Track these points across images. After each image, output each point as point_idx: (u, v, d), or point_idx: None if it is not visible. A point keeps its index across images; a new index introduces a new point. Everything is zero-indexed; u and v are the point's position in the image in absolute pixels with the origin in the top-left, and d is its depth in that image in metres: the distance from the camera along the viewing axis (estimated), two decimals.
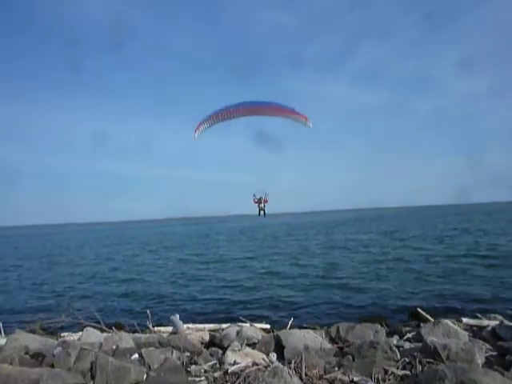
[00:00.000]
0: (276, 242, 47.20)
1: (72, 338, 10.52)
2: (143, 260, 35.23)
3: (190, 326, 9.65)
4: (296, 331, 8.13)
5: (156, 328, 9.65)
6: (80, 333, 11.02)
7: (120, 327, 11.15)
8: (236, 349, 7.77)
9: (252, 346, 8.25)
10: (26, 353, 7.73)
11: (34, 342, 8.37)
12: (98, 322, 10.52)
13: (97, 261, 36.87)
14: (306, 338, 7.80)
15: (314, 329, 9.46)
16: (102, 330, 10.15)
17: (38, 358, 7.57)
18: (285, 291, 17.93)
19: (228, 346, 8.23)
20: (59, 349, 7.51)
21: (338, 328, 8.49)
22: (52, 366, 7.05)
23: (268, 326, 9.86)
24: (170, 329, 9.53)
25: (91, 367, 6.60)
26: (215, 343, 8.73)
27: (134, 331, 9.77)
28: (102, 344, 7.93)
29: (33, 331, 11.18)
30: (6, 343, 8.00)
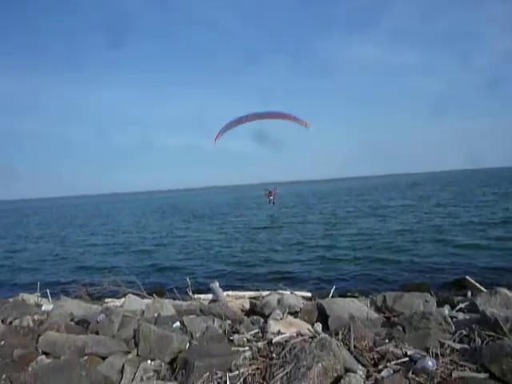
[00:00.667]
0: (310, 210, 46.71)
1: (115, 303, 10.77)
2: (182, 228, 35.80)
3: (230, 293, 9.57)
4: (339, 300, 7.81)
5: (196, 295, 9.64)
6: (123, 299, 11.26)
7: (161, 294, 11.30)
8: (278, 317, 7.57)
9: (294, 314, 8.05)
10: (72, 319, 7.85)
11: (79, 308, 8.53)
12: (139, 290, 10.64)
13: (137, 229, 37.86)
14: (351, 307, 7.48)
15: (356, 297, 9.14)
16: (143, 297, 10.30)
17: (83, 324, 7.67)
18: (321, 260, 17.65)
19: (269, 314, 8.04)
20: (102, 316, 7.56)
21: (385, 297, 8.10)
22: (96, 332, 7.12)
23: (309, 294, 9.65)
24: (210, 296, 9.51)
25: (134, 335, 6.59)
26: (256, 311, 8.59)
27: (175, 298, 9.79)
28: (143, 311, 7.94)
29: (78, 297, 11.56)
30: (52, 310, 8.16)
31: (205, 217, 46.99)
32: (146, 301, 8.87)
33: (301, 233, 26.26)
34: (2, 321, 8.22)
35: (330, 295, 9.30)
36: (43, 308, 9.49)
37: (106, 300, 11.39)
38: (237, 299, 9.29)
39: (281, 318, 7.26)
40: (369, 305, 8.15)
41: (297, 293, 9.43)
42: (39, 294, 11.72)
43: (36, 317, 8.49)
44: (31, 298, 11.27)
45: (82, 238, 32.78)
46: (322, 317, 7.52)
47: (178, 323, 7.15)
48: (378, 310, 7.97)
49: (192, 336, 6.70)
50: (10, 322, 8.04)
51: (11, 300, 11.03)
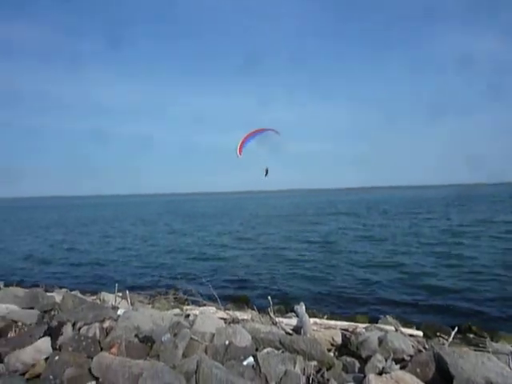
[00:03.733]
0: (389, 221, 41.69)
1: (194, 311, 9.84)
2: (269, 234, 34.72)
3: (318, 321, 7.94)
4: (470, 354, 5.71)
5: (278, 319, 8.17)
6: (202, 308, 10.31)
7: (239, 308, 10.17)
8: (380, 366, 5.79)
9: (400, 362, 6.18)
10: (136, 335, 6.97)
11: (148, 321, 7.67)
12: (216, 302, 9.57)
13: (220, 232, 37.61)
14: (487, 368, 5.36)
15: (488, 351, 6.83)
16: (218, 309, 9.26)
17: (147, 342, 6.74)
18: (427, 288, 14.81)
19: (367, 357, 6.29)
20: (168, 336, 6.56)
21: None
22: (158, 357, 6.12)
23: (420, 334, 7.58)
24: (293, 321, 8.00)
25: (197, 368, 5.40)
26: (350, 350, 6.88)
27: (253, 320, 8.46)
28: (213, 335, 6.73)
29: (156, 300, 10.94)
30: (118, 322, 7.40)
31: (293, 222, 45.43)
32: (219, 314, 7.66)
33: (411, 246, 23.13)
34: (74, 324, 7.72)
35: (450, 339, 7.17)
36: (118, 312, 8.97)
37: (186, 308, 10.67)
38: (326, 329, 7.65)
39: (384, 371, 5.48)
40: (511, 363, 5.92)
41: (404, 330, 7.44)
42: (120, 295, 11.40)
43: (106, 324, 7.89)
44: (111, 299, 10.95)
45: (170, 238, 33.41)
46: (442, 373, 5.56)
47: (251, 359, 5.78)
48: None
49: (266, 381, 5.28)
50: (79, 328, 7.51)
51: (92, 299, 10.83)
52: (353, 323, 8.03)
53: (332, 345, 7.25)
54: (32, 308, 8.27)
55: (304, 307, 8.27)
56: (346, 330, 7.68)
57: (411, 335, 7.39)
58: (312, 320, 7.79)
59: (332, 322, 7.99)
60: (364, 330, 7.41)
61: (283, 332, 7.35)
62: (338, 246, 25.47)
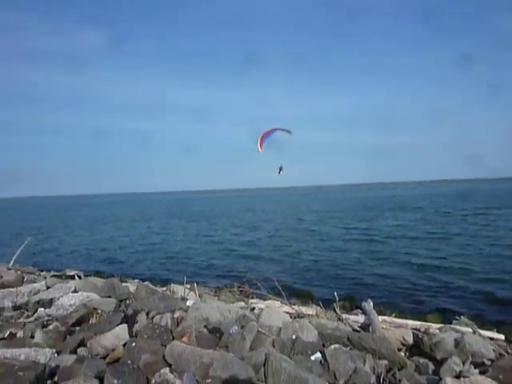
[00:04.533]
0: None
1: (259, 305, 9.98)
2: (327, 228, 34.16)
3: (387, 319, 7.67)
4: None
5: (344, 315, 8.01)
6: (267, 301, 10.42)
7: (304, 303, 10.12)
8: (457, 369, 5.47)
9: (480, 366, 5.78)
10: (205, 326, 7.19)
11: (216, 313, 7.89)
12: (281, 296, 9.60)
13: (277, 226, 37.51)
14: None
15: None
16: (283, 304, 9.29)
17: (215, 333, 6.94)
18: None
19: (442, 359, 5.96)
20: (235, 328, 6.71)
21: None
22: (227, 347, 6.28)
23: (502, 337, 7.04)
24: (360, 318, 7.80)
25: (265, 361, 5.46)
26: (422, 350, 6.57)
27: (318, 315, 8.38)
28: (280, 329, 6.76)
29: (221, 292, 11.20)
30: (188, 312, 7.68)
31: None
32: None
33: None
34: (147, 313, 8.15)
35: None
36: (187, 303, 9.32)
37: (251, 301, 10.84)
38: (395, 328, 7.36)
39: (462, 375, 5.16)
40: None
41: (483, 333, 6.95)
42: (188, 286, 11.85)
43: (176, 314, 8.23)
44: (180, 290, 11.41)
45: (237, 233, 34.03)
46: None
47: (318, 355, 5.73)
48: None
49: (335, 377, 5.20)
50: (152, 317, 7.91)
51: (162, 290, 11.35)
52: (425, 323, 7.65)
53: (403, 344, 6.96)
54: (109, 297, 8.85)
55: (372, 304, 8.03)
56: (418, 329, 7.32)
57: (491, 338, 6.88)
58: (380, 318, 7.53)
59: (402, 321, 7.66)
60: (438, 331, 7.02)
61: (350, 329, 7.20)
62: (405, 243, 24.37)
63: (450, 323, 7.81)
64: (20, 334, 6.36)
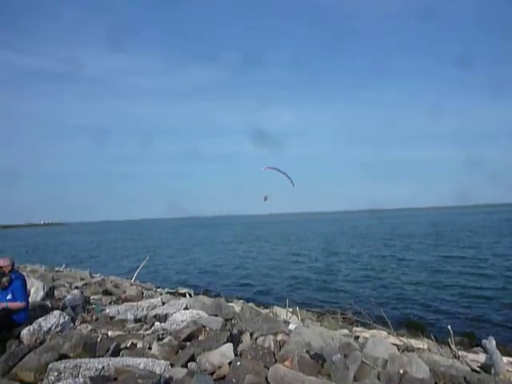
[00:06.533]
0: None
1: (364, 334, 9.64)
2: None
3: None
4: None
5: (461, 353, 7.25)
6: (372, 331, 9.98)
7: (413, 335, 9.41)
8: None
9: None
10: (307, 351, 7.13)
11: (318, 339, 7.79)
12: (387, 327, 9.09)
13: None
14: None
15: None
16: (390, 334, 8.76)
17: (317, 360, 6.82)
18: None
19: None
20: (338, 356, 6.53)
21: None
22: (329, 375, 6.14)
23: None
24: (480, 357, 6.99)
25: None
26: None
27: (430, 350, 7.72)
28: (386, 362, 6.40)
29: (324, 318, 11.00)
30: (290, 336, 7.71)
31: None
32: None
33: None
34: (251, 334, 8.38)
35: None
36: (289, 327, 9.37)
37: (355, 329, 10.46)
38: None
39: None
40: None
41: None
42: (290, 310, 11.89)
43: (279, 337, 8.31)
44: (282, 313, 11.52)
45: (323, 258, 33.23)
46: None
47: None
48: None
49: None
50: (256, 338, 8.10)
51: (265, 312, 11.57)
52: None
53: None
54: (216, 315, 9.31)
55: (494, 342, 7.14)
56: None
57: None
58: (505, 359, 6.66)
59: None
60: None
61: (468, 368, 6.49)
62: None
63: None
64: (140, 344, 7.03)
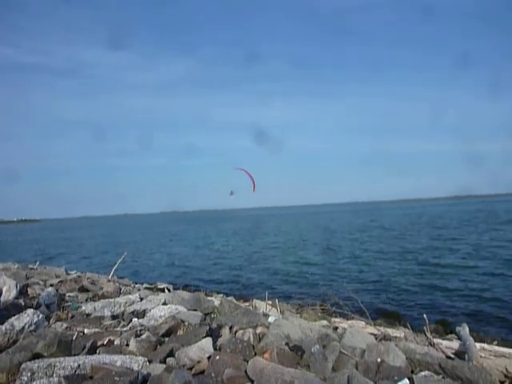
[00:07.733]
0: None
1: (343, 325, 9.75)
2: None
3: (486, 347, 6.95)
4: None
5: (436, 340, 7.43)
6: (350, 321, 10.12)
7: (390, 325, 9.59)
8: None
9: None
10: (287, 343, 7.16)
11: (297, 331, 7.84)
12: (365, 316, 9.23)
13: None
14: None
15: None
16: (367, 324, 8.90)
17: (297, 351, 6.86)
18: None
19: None
20: (317, 347, 6.58)
21: None
22: (308, 367, 6.19)
23: None
24: (454, 344, 7.17)
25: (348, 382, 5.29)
26: None
27: (407, 338, 7.87)
28: (364, 351, 6.49)
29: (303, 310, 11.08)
30: (269, 329, 7.73)
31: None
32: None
33: None
34: (230, 328, 8.36)
35: None
36: (269, 319, 9.40)
37: (334, 320, 10.57)
38: (497, 357, 6.64)
39: None
40: None
41: None
42: (270, 303, 11.93)
43: (258, 330, 8.32)
44: (262, 306, 11.54)
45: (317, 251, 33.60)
46: None
47: (406, 381, 5.37)
48: None
49: None
50: (235, 332, 8.09)
51: (245, 305, 11.57)
52: None
53: (506, 376, 6.25)
54: (195, 310, 9.25)
55: (467, 329, 7.34)
56: None
57: None
58: (478, 345, 6.85)
59: (505, 350, 6.89)
60: None
61: (443, 355, 6.65)
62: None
63: None
64: (117, 341, 6.91)
